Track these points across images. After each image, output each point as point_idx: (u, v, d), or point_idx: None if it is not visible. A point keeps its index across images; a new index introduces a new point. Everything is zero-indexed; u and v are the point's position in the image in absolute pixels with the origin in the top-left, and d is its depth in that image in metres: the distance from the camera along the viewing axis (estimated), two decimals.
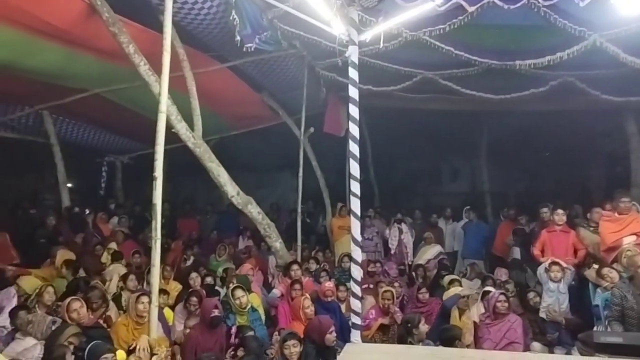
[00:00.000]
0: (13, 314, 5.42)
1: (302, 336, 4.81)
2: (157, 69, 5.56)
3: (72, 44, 6.25)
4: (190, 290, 6.37)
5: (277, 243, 7.65)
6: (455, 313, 6.07)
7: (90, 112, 9.04)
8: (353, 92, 4.98)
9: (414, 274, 8.36)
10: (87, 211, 9.99)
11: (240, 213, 8.05)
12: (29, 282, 6.44)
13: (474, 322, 6.05)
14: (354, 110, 5.03)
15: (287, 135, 9.82)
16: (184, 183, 12.40)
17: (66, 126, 9.86)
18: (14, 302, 5.84)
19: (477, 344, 5.79)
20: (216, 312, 5.26)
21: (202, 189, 12.64)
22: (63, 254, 7.50)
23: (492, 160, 12.35)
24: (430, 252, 9.16)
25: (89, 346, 4.17)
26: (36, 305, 5.67)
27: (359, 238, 4.91)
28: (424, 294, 6.87)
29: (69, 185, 10.22)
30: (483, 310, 6.14)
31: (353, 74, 4.98)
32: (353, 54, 4.96)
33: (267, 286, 7.93)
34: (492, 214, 11.57)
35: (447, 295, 6.38)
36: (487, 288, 6.58)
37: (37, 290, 5.90)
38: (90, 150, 11.43)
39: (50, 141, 9.56)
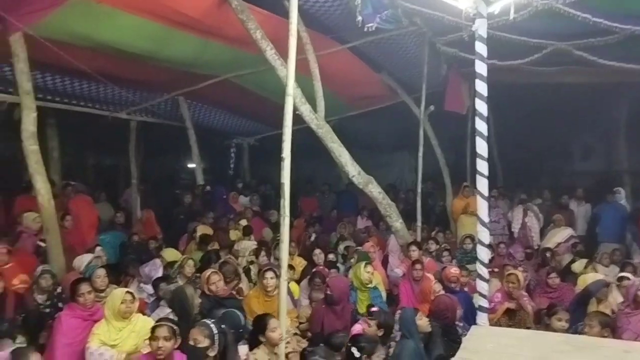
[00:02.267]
0: (155, 284, 6.00)
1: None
2: (282, 54, 5.79)
3: (205, 33, 6.69)
4: (314, 270, 6.60)
5: (398, 223, 7.66)
6: (593, 301, 5.71)
7: (220, 97, 9.63)
8: (481, 68, 4.78)
9: (542, 257, 7.94)
10: (223, 190, 10.68)
11: (359, 193, 8.15)
12: (171, 254, 7.11)
13: (612, 311, 5.64)
14: (481, 87, 4.84)
15: (405, 114, 9.72)
16: (304, 164, 12.80)
17: (199, 110, 10.61)
18: (160, 272, 6.45)
19: (615, 334, 5.40)
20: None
21: (321, 169, 12.93)
22: (202, 229, 8.14)
23: (632, 137, 11.27)
24: (560, 235, 8.63)
25: (225, 311, 4.52)
26: (177, 277, 6.23)
27: (486, 219, 4.75)
28: (554, 279, 6.51)
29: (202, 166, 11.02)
30: (621, 299, 5.71)
31: (481, 48, 4.77)
32: (481, 27, 4.73)
33: (385, 266, 7.98)
34: (631, 195, 10.61)
35: (583, 281, 6.00)
36: (625, 274, 6.09)
37: (178, 263, 6.49)
38: (220, 133, 12.21)
39: (186, 125, 10.36)
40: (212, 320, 3.79)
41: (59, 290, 5.56)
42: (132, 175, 9.97)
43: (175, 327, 3.85)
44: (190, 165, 11.83)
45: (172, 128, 10.58)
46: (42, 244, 6.60)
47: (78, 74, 7.49)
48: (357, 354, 3.91)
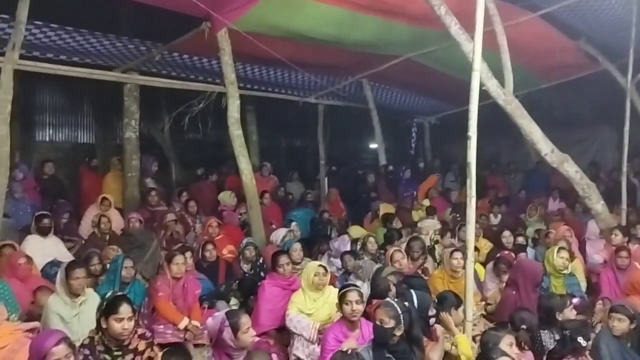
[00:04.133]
0: (342, 257, 6.32)
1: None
2: (467, 27, 5.58)
3: (387, 14, 6.75)
4: (498, 255, 6.32)
5: (599, 205, 6.94)
6: None
7: (402, 77, 9.66)
8: None
9: None
10: (405, 168, 10.80)
11: (552, 172, 7.56)
12: (357, 231, 7.44)
13: None
14: None
15: (607, 84, 8.68)
16: (488, 142, 12.26)
17: (381, 92, 10.80)
18: (348, 247, 6.78)
19: None
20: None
21: (506, 147, 12.27)
22: (384, 208, 8.35)
23: None
24: None
25: (414, 292, 4.59)
26: (362, 252, 6.49)
27: None
28: None
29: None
30: None
31: None
32: None
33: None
34: None
35: None
36: None
37: (361, 240, 6.75)
38: (402, 112, 12.28)
39: (369, 106, 10.63)
40: (396, 300, 3.87)
41: (260, 260, 6.19)
42: (320, 156, 10.55)
43: (362, 291, 4.02)
44: (372, 146, 12.12)
45: (356, 110, 10.92)
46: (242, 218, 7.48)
47: (273, 62, 8.13)
48: (583, 343, 3.72)
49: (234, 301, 5.55)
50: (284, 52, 7.39)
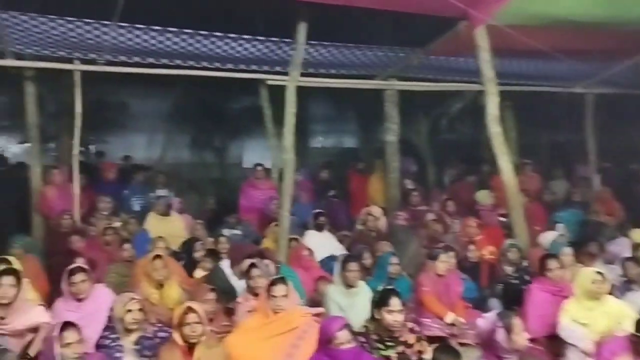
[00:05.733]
0: (623, 264, 5.56)
1: None
2: None
3: None
4: None
5: None
6: None
7: None
8: None
9: None
10: None
11: None
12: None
13: None
14: None
15: None
16: None
17: None
18: (629, 252, 6.00)
19: None
20: None
21: None
22: None
23: None
24: None
25: None
26: None
27: None
28: None
29: None
30: None
31: None
32: None
33: None
34: None
35: None
36: None
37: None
38: None
39: None
40: None
41: (525, 263, 5.89)
42: (588, 151, 9.55)
43: None
44: None
45: (632, 97, 9.53)
46: (502, 219, 7.17)
47: (532, 54, 7.64)
48: None
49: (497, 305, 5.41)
50: (546, 41, 6.89)
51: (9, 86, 7.82)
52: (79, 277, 4.23)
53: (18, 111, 7.36)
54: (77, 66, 6.60)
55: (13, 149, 11.04)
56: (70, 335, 3.43)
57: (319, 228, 6.75)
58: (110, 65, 6.74)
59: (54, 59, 6.61)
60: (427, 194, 9.25)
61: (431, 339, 4.53)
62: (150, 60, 6.84)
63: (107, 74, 6.90)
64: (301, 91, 6.66)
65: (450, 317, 4.92)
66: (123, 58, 6.72)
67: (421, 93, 8.47)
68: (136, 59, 6.77)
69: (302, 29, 6.20)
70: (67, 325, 3.49)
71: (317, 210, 7.05)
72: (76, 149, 6.79)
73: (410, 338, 4.02)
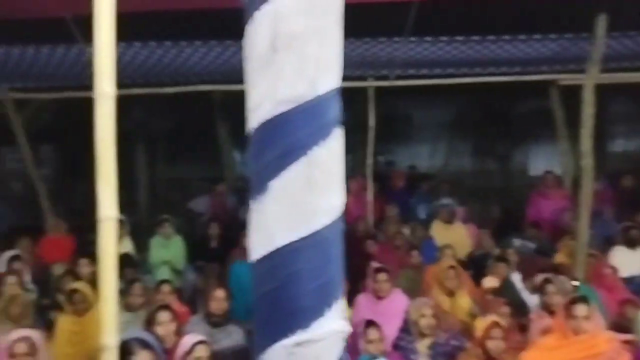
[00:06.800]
0: None
1: None
2: None
3: None
4: None
5: None
6: None
7: None
8: None
9: None
10: None
11: None
12: None
13: None
14: None
15: None
16: None
17: None
18: None
19: None
20: None
21: None
22: None
23: None
24: None
25: None
26: None
27: None
28: None
29: None
30: None
31: None
32: None
33: None
34: None
35: None
36: None
37: None
38: None
39: None
40: None
41: None
42: None
43: None
44: None
45: None
46: None
47: None
48: None
49: None
50: None
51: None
52: (382, 276, 4.64)
53: None
54: (371, 83, 7.17)
55: None
56: (373, 333, 3.72)
57: (631, 244, 5.89)
58: (399, 79, 7.12)
59: (350, 78, 7.32)
60: None
61: None
62: (437, 70, 6.99)
63: (396, 88, 7.31)
64: (598, 89, 5.97)
65: None
66: (411, 71, 7.01)
67: None
68: (424, 70, 6.99)
69: (601, 22, 5.55)
70: (370, 323, 3.79)
71: (628, 224, 6.18)
72: (370, 159, 7.37)
73: None
